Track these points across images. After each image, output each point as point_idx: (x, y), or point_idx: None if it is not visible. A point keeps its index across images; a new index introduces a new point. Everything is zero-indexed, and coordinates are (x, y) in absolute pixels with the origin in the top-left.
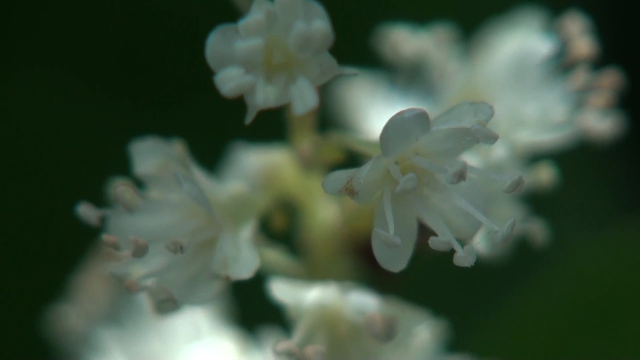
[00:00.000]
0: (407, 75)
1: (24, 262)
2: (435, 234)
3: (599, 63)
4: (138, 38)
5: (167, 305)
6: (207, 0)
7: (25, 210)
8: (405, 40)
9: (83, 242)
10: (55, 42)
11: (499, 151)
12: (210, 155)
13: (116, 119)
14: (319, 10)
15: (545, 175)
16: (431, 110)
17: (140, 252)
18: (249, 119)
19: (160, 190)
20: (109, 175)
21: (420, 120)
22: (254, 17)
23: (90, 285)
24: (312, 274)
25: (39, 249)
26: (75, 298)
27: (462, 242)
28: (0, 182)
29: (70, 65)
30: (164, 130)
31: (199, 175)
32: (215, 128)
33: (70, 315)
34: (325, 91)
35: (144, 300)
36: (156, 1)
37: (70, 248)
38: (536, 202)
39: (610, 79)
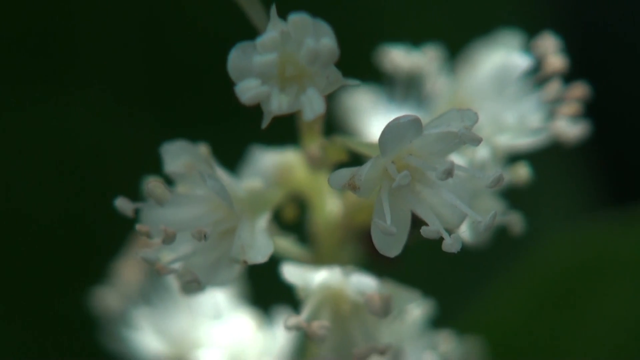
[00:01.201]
0: (403, 87)
1: (75, 250)
2: (426, 224)
3: (569, 77)
4: (169, 63)
5: (193, 286)
6: (230, 29)
7: (73, 208)
8: (401, 58)
9: (122, 233)
10: (100, 67)
11: (482, 152)
12: (231, 157)
13: (150, 131)
14: (327, 29)
15: (522, 173)
16: (424, 116)
17: (169, 239)
18: (264, 124)
19: (187, 186)
20: (143, 176)
21: (414, 125)
22: (270, 35)
23: (127, 270)
24: (318, 259)
25: (85, 239)
26: (114, 281)
27: (450, 231)
28: (55, 185)
29: (112, 87)
30: (192, 136)
31: (221, 173)
32: (236, 134)
33: (110, 296)
34: (331, 100)
35: (173, 282)
36: (187, 34)
37: (111, 238)
38: (514, 196)
39: (579, 91)
